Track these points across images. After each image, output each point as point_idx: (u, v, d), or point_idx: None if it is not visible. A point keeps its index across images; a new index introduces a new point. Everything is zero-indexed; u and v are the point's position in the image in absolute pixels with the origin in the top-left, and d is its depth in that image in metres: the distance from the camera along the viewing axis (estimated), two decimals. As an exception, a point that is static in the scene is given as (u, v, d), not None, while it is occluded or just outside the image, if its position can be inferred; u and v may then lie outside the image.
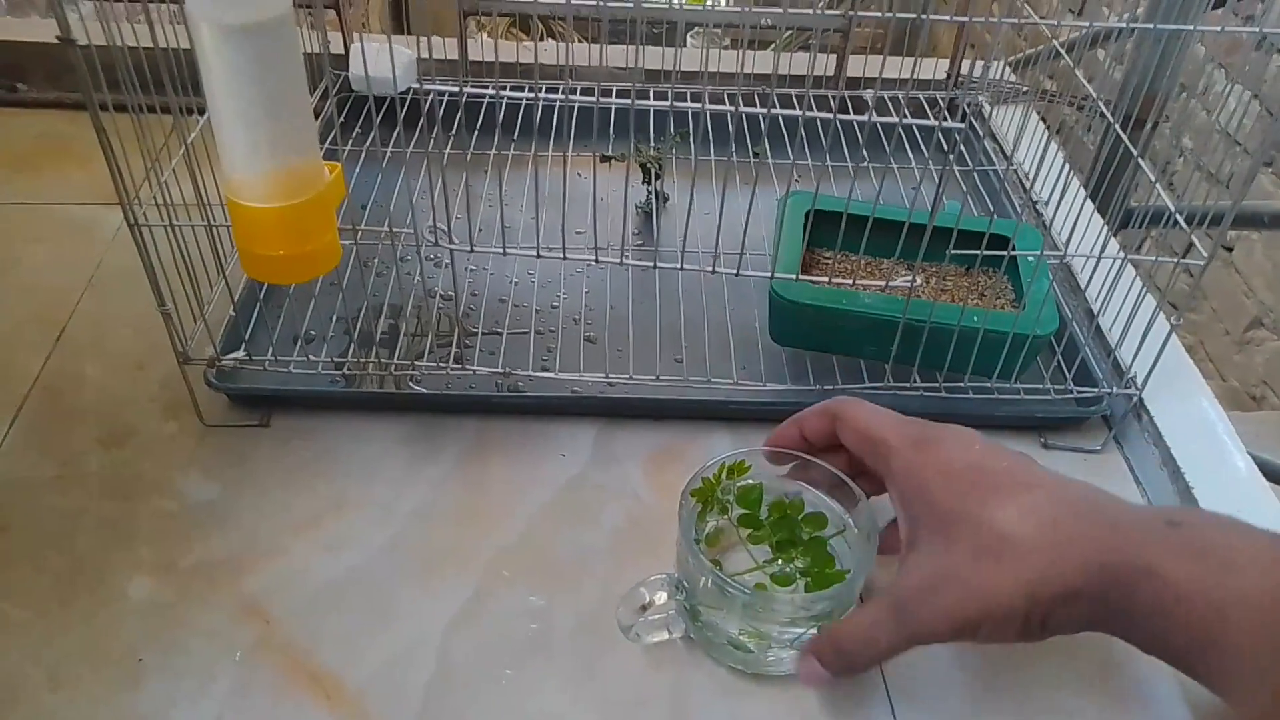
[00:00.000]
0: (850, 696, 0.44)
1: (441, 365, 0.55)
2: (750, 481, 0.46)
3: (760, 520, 0.46)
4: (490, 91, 0.42)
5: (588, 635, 0.46)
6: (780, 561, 0.44)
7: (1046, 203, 0.69)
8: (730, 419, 0.57)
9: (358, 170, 0.65)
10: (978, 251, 0.49)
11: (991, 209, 0.70)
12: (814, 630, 0.42)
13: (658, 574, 0.44)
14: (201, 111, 0.47)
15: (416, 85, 0.43)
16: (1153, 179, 0.52)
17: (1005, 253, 0.50)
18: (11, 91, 0.80)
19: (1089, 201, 0.65)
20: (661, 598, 0.43)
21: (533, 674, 0.44)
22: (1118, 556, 0.35)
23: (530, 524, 0.51)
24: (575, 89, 0.47)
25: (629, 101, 0.42)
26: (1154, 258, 0.50)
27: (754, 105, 0.70)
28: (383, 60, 0.59)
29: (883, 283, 0.47)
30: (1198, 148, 1.58)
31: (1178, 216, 0.51)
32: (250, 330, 0.56)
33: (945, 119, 0.49)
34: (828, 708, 0.44)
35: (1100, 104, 0.58)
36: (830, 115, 0.44)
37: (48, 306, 0.62)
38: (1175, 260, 0.49)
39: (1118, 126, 0.56)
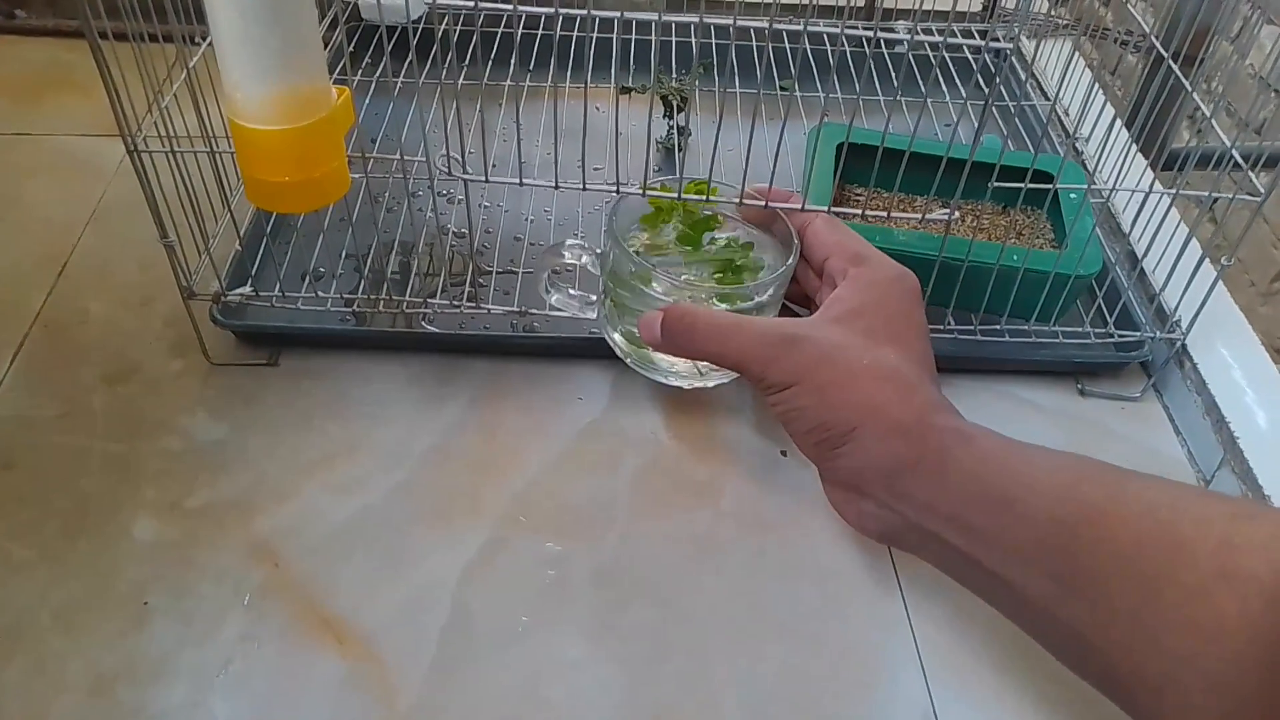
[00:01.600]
0: (881, 654, 0.43)
1: (455, 304, 0.52)
2: (710, 213, 0.47)
3: (701, 244, 0.46)
4: (508, 7, 0.39)
5: (606, 585, 0.44)
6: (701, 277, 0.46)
7: (1087, 140, 0.66)
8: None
9: (367, 101, 0.63)
10: (1022, 185, 0.46)
11: (1031, 147, 0.67)
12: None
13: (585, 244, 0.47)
14: (204, 39, 0.45)
15: (428, 7, 0.41)
16: (1208, 115, 0.49)
17: (1050, 186, 0.48)
18: (10, 18, 0.77)
19: (1132, 141, 0.62)
20: (581, 259, 0.47)
21: (550, 623, 0.43)
22: (949, 423, 0.38)
23: (546, 469, 0.49)
24: (595, 19, 0.44)
25: (651, 31, 0.39)
26: (1207, 193, 0.47)
27: (782, 39, 0.67)
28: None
29: (919, 216, 0.44)
30: (1228, 91, 1.52)
31: (1235, 154, 0.48)
32: (257, 266, 0.54)
33: (987, 42, 0.46)
34: (862, 668, 0.42)
35: (1153, 38, 0.55)
36: (864, 46, 0.41)
37: (49, 241, 0.60)
38: (1231, 195, 0.46)
39: (1172, 62, 0.53)
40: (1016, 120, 0.72)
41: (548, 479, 0.49)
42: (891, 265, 0.44)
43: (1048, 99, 0.72)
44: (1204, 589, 0.28)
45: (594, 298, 0.50)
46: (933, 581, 0.45)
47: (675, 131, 0.67)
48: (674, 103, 0.65)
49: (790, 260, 0.45)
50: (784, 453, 0.50)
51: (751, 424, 0.52)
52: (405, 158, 0.44)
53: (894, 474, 0.38)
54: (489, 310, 0.53)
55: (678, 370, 0.48)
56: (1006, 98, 0.72)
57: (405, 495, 0.48)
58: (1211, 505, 0.31)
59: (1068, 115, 0.71)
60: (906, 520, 0.39)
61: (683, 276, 0.46)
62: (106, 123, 0.43)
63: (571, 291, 0.50)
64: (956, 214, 0.43)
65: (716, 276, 0.47)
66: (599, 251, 0.48)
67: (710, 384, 0.50)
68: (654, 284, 0.45)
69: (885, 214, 0.45)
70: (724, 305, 0.46)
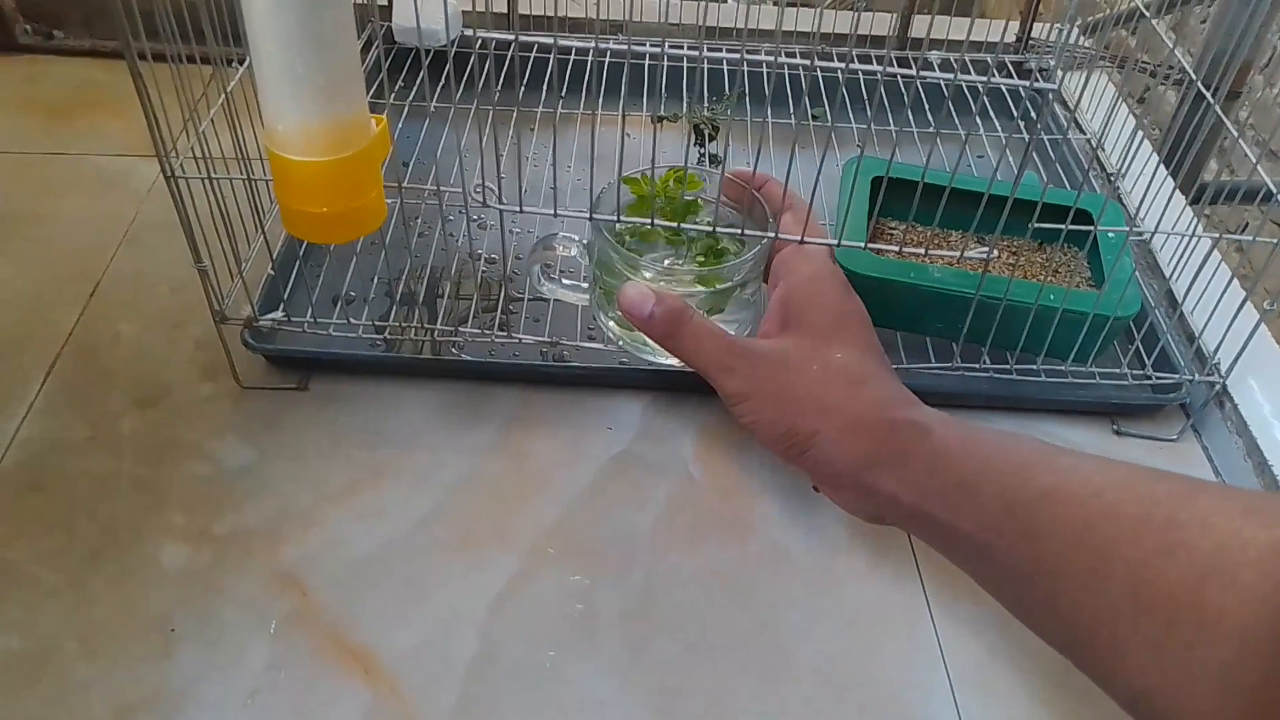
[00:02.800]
0: (909, 676, 0.42)
1: (485, 332, 0.52)
2: (692, 197, 0.48)
3: (680, 229, 0.47)
4: (548, 39, 0.39)
5: (634, 620, 0.44)
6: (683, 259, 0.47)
7: (1123, 176, 0.65)
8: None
9: (400, 125, 0.63)
10: (1063, 226, 0.45)
11: (1065, 182, 0.66)
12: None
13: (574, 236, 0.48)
14: (242, 61, 0.45)
15: (465, 33, 0.41)
16: (1251, 157, 0.48)
17: (1092, 228, 0.47)
18: (48, 39, 0.78)
19: (1169, 178, 0.61)
20: (572, 251, 0.48)
21: (577, 658, 0.42)
22: (906, 415, 0.40)
23: (575, 500, 0.49)
24: (628, 44, 0.45)
25: (684, 57, 0.39)
26: (1252, 237, 0.46)
27: (813, 66, 0.67)
28: (431, 9, 0.56)
29: (957, 253, 0.44)
30: (1258, 122, 1.51)
31: (1275, 188, 0.47)
32: (289, 290, 0.54)
33: (1032, 81, 0.45)
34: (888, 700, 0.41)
35: (1191, 74, 0.54)
36: (906, 74, 0.41)
37: (82, 262, 0.60)
38: (1277, 241, 0.45)
39: (1211, 99, 0.52)
40: (1050, 153, 0.71)
41: (576, 510, 0.48)
42: (821, 254, 0.46)
43: (1083, 133, 0.72)
44: (1147, 563, 0.29)
45: (585, 286, 0.51)
46: (969, 622, 0.44)
47: (707, 159, 0.66)
48: (706, 132, 0.65)
49: (764, 240, 0.46)
50: (816, 488, 0.49)
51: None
52: (440, 188, 0.44)
53: (861, 471, 0.40)
54: (520, 339, 0.52)
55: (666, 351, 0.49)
56: (1042, 132, 0.72)
57: (433, 524, 0.47)
58: (1158, 485, 0.32)
59: (1102, 150, 0.70)
60: (882, 508, 0.40)
61: (665, 262, 0.48)
62: (141, 143, 0.44)
63: (565, 281, 0.52)
64: (996, 253, 0.43)
65: (699, 260, 0.48)
66: (586, 242, 0.49)
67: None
68: (642, 271, 0.47)
69: (923, 250, 0.44)
70: (704, 288, 0.47)
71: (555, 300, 0.53)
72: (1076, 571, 0.32)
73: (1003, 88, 0.68)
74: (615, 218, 0.45)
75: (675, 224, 0.45)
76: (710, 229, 0.46)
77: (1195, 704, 0.28)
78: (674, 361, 0.49)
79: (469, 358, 0.53)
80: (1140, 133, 0.61)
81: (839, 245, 0.45)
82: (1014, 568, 0.35)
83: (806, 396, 0.41)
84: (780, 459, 0.44)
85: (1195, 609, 0.28)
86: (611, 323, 0.50)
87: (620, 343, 0.51)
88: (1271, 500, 0.30)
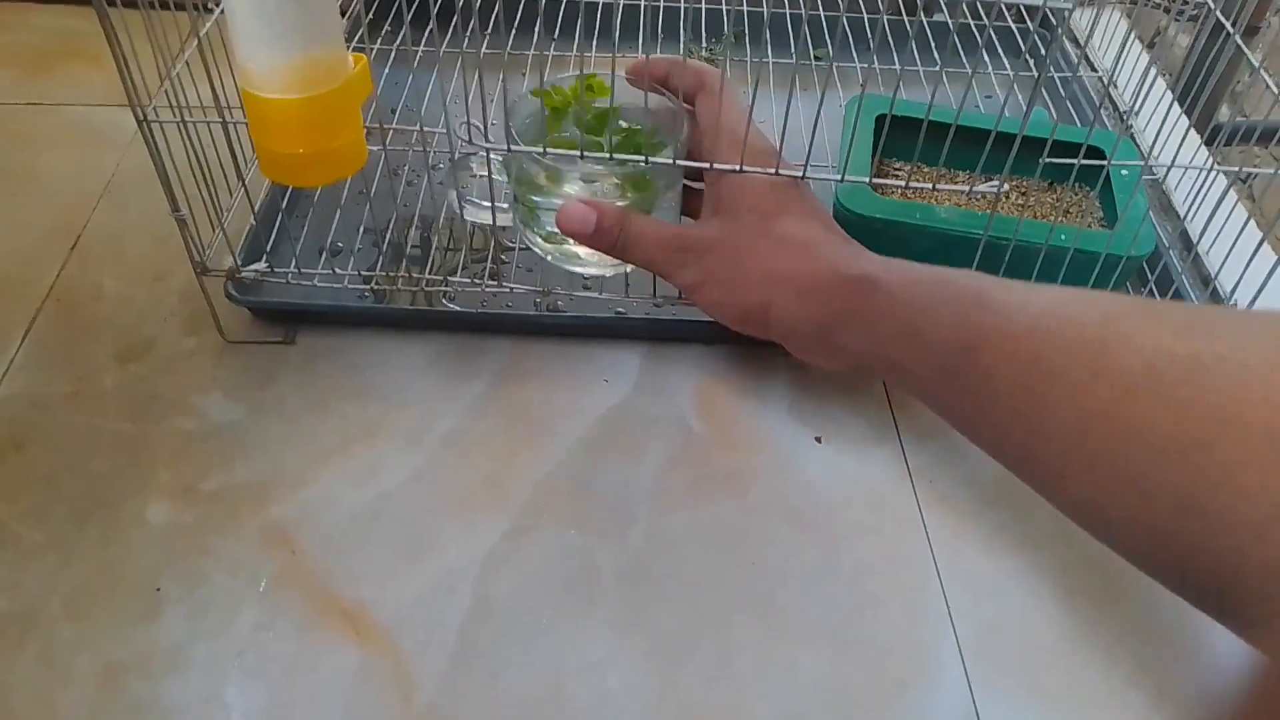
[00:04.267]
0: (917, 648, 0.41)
1: (476, 282, 0.51)
2: (606, 104, 0.46)
3: (603, 136, 0.46)
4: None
5: (634, 578, 0.43)
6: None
7: (1136, 114, 0.63)
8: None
9: (386, 72, 0.61)
10: (1075, 161, 0.44)
11: (1076, 120, 0.64)
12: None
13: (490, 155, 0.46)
14: (218, 6, 0.42)
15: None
16: (1275, 89, 0.46)
17: (1105, 163, 0.45)
18: (24, -15, 0.76)
19: (1183, 115, 0.59)
20: (489, 170, 0.46)
21: (575, 617, 0.41)
22: (853, 271, 0.40)
23: (570, 455, 0.47)
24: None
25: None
26: (1274, 170, 0.44)
27: (818, 7, 0.64)
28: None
29: (966, 188, 0.42)
30: (1272, 65, 1.48)
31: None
32: (272, 241, 0.52)
33: (1040, 18, 0.43)
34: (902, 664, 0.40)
35: (1213, 7, 0.51)
36: (903, 15, 0.39)
37: (62, 214, 0.58)
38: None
39: (1231, 28, 0.50)
40: (1061, 91, 0.69)
41: (572, 465, 0.47)
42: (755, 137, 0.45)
43: (1094, 70, 0.69)
44: (1084, 387, 0.30)
45: (506, 206, 0.50)
46: (977, 577, 0.43)
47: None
48: (704, 73, 0.63)
49: (683, 136, 0.46)
50: (819, 438, 0.48)
51: (784, 408, 0.50)
52: (425, 129, 0.42)
53: (821, 333, 0.40)
54: (511, 289, 0.51)
55: (597, 260, 0.49)
56: (1051, 68, 0.69)
57: (425, 481, 0.46)
58: (1092, 309, 0.32)
59: (1115, 88, 0.68)
60: (850, 362, 0.41)
61: (588, 170, 0.46)
62: (121, 93, 0.42)
63: (484, 203, 0.50)
64: (1006, 187, 0.41)
65: (621, 170, 0.47)
66: (504, 160, 0.48)
67: (628, 269, 0.50)
68: (564, 184, 0.46)
69: (930, 186, 0.42)
70: (633, 194, 0.47)
71: (476, 223, 0.52)
72: (1020, 406, 0.33)
73: (1010, 23, 0.65)
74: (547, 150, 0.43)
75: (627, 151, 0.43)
76: (629, 132, 0.46)
77: (1128, 513, 0.29)
78: (608, 271, 0.50)
79: (459, 308, 0.52)
80: (1154, 69, 0.59)
81: (842, 180, 0.43)
82: (964, 407, 0.36)
83: (756, 271, 0.42)
84: (750, 335, 0.44)
85: (1126, 423, 0.28)
86: (538, 239, 0.49)
87: (549, 257, 0.50)
88: (1202, 315, 0.30)
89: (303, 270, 0.49)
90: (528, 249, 0.54)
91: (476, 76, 0.42)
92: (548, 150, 0.42)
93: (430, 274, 0.53)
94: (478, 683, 0.39)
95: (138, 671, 0.39)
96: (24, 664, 0.39)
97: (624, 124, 0.49)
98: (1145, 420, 0.28)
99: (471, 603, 0.42)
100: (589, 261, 0.49)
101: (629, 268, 0.50)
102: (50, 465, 0.45)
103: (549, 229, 0.47)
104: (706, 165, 0.43)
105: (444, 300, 0.52)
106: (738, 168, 0.42)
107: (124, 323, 0.52)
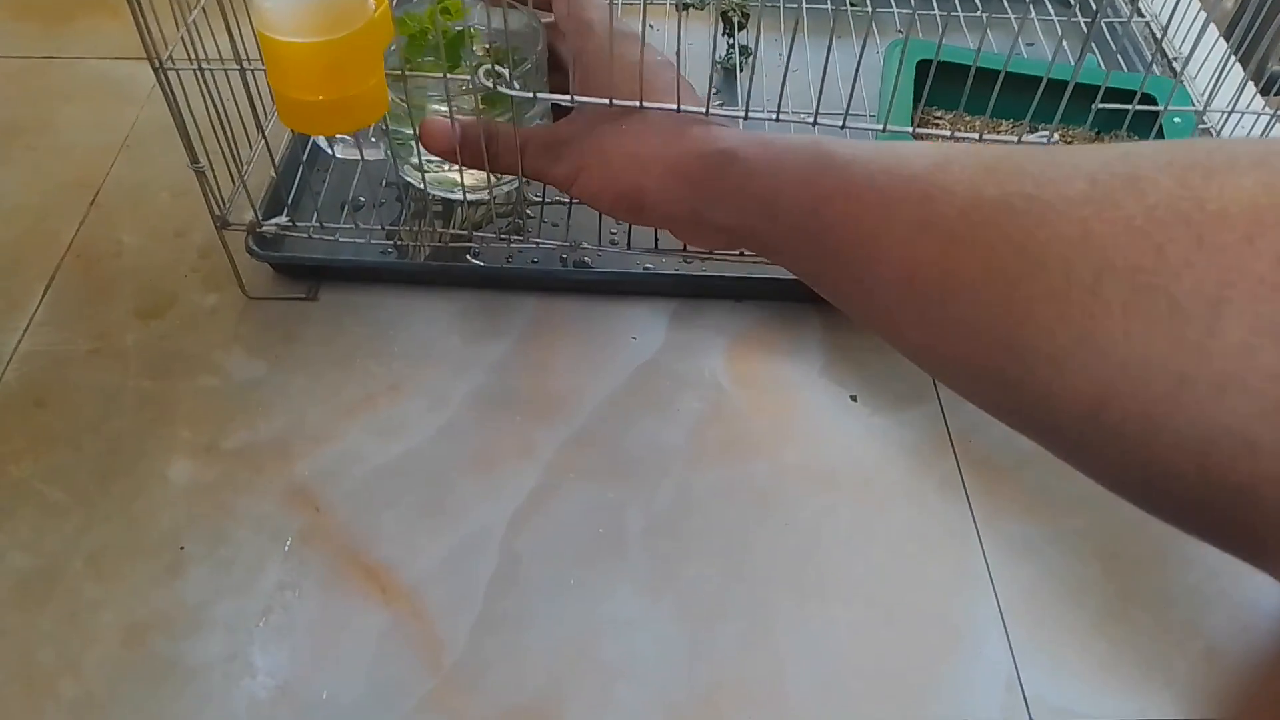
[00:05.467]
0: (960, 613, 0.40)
1: (501, 237, 0.49)
2: (462, 26, 0.46)
3: (460, 59, 0.46)
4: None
5: (663, 538, 0.42)
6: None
7: (1186, 61, 0.60)
8: (822, 300, 0.51)
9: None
10: (1130, 107, 0.41)
11: (1125, 68, 0.62)
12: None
13: None
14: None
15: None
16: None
17: (1159, 109, 0.43)
18: (40, -64, 0.74)
19: (1237, 63, 0.56)
20: None
21: (604, 576, 0.40)
22: (715, 146, 0.39)
23: (598, 413, 0.46)
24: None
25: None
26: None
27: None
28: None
29: (1014, 139, 0.40)
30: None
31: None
32: (293, 195, 0.51)
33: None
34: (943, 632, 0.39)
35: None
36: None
37: (81, 168, 0.57)
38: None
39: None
40: (1110, 40, 0.66)
41: (600, 423, 0.46)
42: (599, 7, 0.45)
43: (1143, 17, 0.66)
44: (906, 239, 0.31)
45: (374, 140, 0.50)
46: (1018, 540, 0.42)
47: (736, 51, 0.62)
48: (735, 20, 0.61)
49: (539, 47, 0.46)
50: (854, 398, 0.47)
51: (818, 367, 0.48)
52: (446, 76, 0.40)
53: (694, 215, 0.40)
54: (538, 244, 0.49)
55: (470, 184, 0.48)
56: (1102, 15, 0.66)
57: (451, 438, 0.45)
58: (919, 160, 0.32)
59: (1164, 34, 0.65)
60: (726, 239, 0.41)
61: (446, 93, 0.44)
62: (139, 45, 0.40)
63: (350, 140, 0.49)
64: (1056, 137, 0.39)
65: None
66: None
67: (502, 190, 0.50)
68: (427, 110, 0.45)
69: (977, 137, 0.40)
70: (493, 112, 0.46)
71: (361, 162, 0.51)
72: (856, 260, 0.33)
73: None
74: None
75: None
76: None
77: (961, 356, 0.30)
78: (484, 194, 0.50)
79: (484, 264, 0.50)
80: (1205, 13, 0.56)
81: (884, 130, 0.41)
82: (811, 265, 0.37)
83: (625, 155, 0.41)
84: (629, 223, 0.45)
85: (945, 270, 0.29)
86: (411, 169, 0.49)
87: (426, 188, 0.49)
88: (1012, 156, 0.30)
89: (325, 225, 0.48)
90: (554, 203, 0.52)
91: (504, 22, 0.41)
92: (406, 75, 0.41)
93: (454, 229, 0.52)
94: (505, 642, 0.38)
95: (161, 630, 0.38)
96: (48, 622, 0.38)
97: (485, 45, 0.48)
98: (962, 265, 0.29)
99: (499, 562, 0.41)
100: (467, 185, 0.48)
101: (508, 184, 0.50)
102: (72, 423, 0.45)
103: (424, 157, 0.46)
104: (605, 101, 0.42)
105: (468, 256, 0.51)
106: (638, 104, 0.41)
107: (144, 279, 0.51)
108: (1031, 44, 0.65)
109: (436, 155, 0.44)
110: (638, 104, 0.41)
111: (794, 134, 0.40)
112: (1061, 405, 0.26)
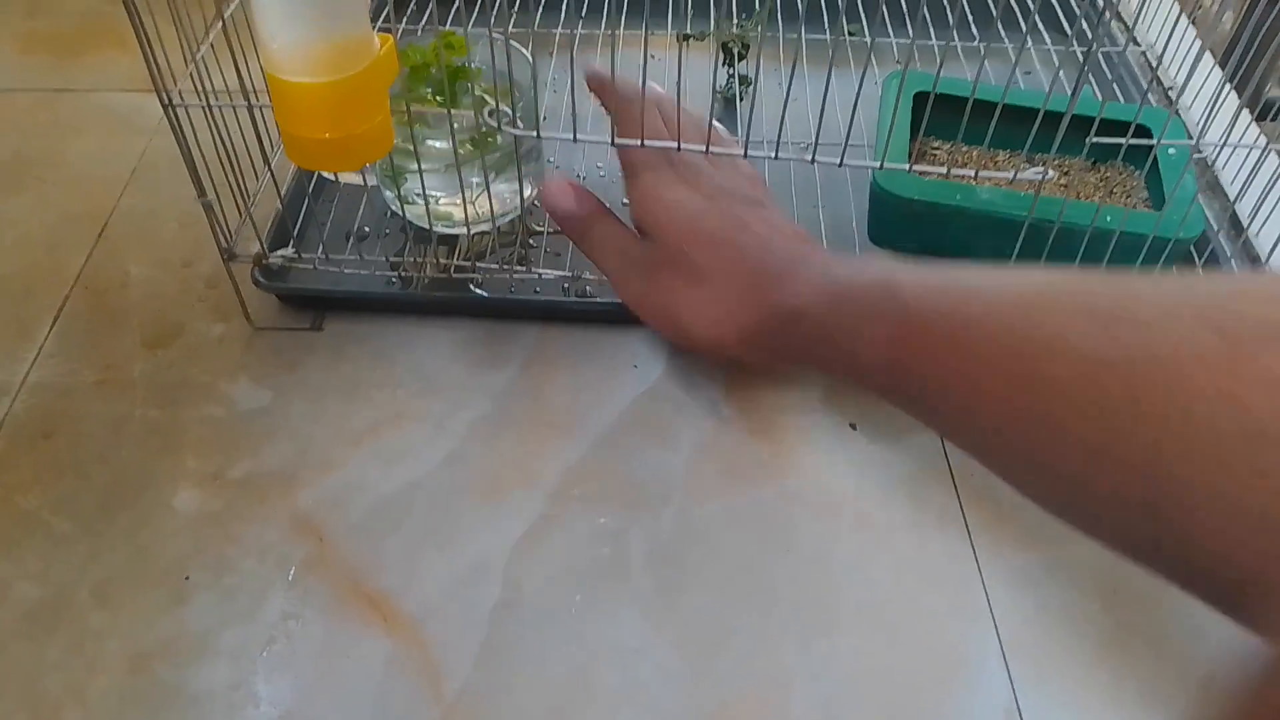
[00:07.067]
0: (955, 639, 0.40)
1: (504, 267, 0.50)
2: (467, 64, 0.47)
3: (458, 95, 0.47)
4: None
5: (667, 565, 0.42)
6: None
7: (1181, 90, 0.61)
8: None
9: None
10: (1124, 140, 0.42)
11: (1120, 98, 0.62)
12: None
13: None
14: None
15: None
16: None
17: (1153, 142, 0.43)
18: (50, -30, 0.76)
19: (1232, 91, 0.57)
20: None
21: (606, 604, 0.41)
22: (784, 308, 0.40)
23: (601, 441, 0.47)
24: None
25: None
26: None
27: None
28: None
29: (1010, 174, 0.41)
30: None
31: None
32: (299, 226, 0.52)
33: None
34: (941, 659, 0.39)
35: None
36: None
37: (89, 200, 0.58)
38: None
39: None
40: (1106, 70, 0.67)
41: (602, 451, 0.46)
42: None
43: (1138, 45, 0.67)
44: (1007, 396, 0.31)
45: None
46: (1018, 570, 0.42)
47: (736, 81, 0.63)
48: (735, 50, 0.61)
49: (530, 94, 0.46)
50: (854, 426, 0.47)
51: (817, 395, 0.49)
52: (450, 111, 0.41)
53: (775, 362, 0.45)
54: (540, 274, 0.50)
55: (463, 220, 0.49)
56: (1098, 46, 0.67)
57: (454, 467, 0.45)
58: (1000, 306, 0.32)
59: (1159, 63, 0.66)
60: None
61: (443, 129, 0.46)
62: (147, 78, 0.41)
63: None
64: (1052, 174, 0.39)
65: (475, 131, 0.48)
66: None
67: (489, 225, 0.52)
68: (422, 141, 0.46)
69: (973, 174, 0.41)
70: (475, 151, 0.47)
71: (365, 193, 0.53)
72: (955, 413, 0.34)
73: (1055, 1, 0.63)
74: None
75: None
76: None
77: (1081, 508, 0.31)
78: (484, 227, 0.51)
79: (487, 294, 0.51)
80: (1200, 41, 0.57)
81: (881, 167, 0.41)
82: (900, 406, 0.38)
83: (703, 320, 0.42)
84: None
85: (1055, 428, 0.30)
86: (396, 199, 0.49)
87: (411, 216, 0.51)
88: (1124, 304, 0.30)
89: (330, 256, 0.49)
90: (556, 234, 0.53)
91: (505, 57, 0.42)
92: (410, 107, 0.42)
93: (458, 259, 0.52)
94: (508, 671, 0.39)
95: (166, 659, 0.38)
96: (54, 652, 0.39)
97: (483, 86, 0.49)
98: (1059, 419, 0.29)
99: (501, 590, 0.41)
100: (457, 221, 0.49)
101: (490, 225, 0.51)
102: (79, 453, 0.45)
103: (411, 189, 0.47)
104: (636, 142, 0.42)
105: (472, 286, 0.51)
106: (677, 146, 0.42)
107: (151, 309, 0.52)
108: (1029, 72, 0.66)
109: (549, 213, 0.45)
110: (674, 145, 0.41)
111: (859, 264, 0.40)
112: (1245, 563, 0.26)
